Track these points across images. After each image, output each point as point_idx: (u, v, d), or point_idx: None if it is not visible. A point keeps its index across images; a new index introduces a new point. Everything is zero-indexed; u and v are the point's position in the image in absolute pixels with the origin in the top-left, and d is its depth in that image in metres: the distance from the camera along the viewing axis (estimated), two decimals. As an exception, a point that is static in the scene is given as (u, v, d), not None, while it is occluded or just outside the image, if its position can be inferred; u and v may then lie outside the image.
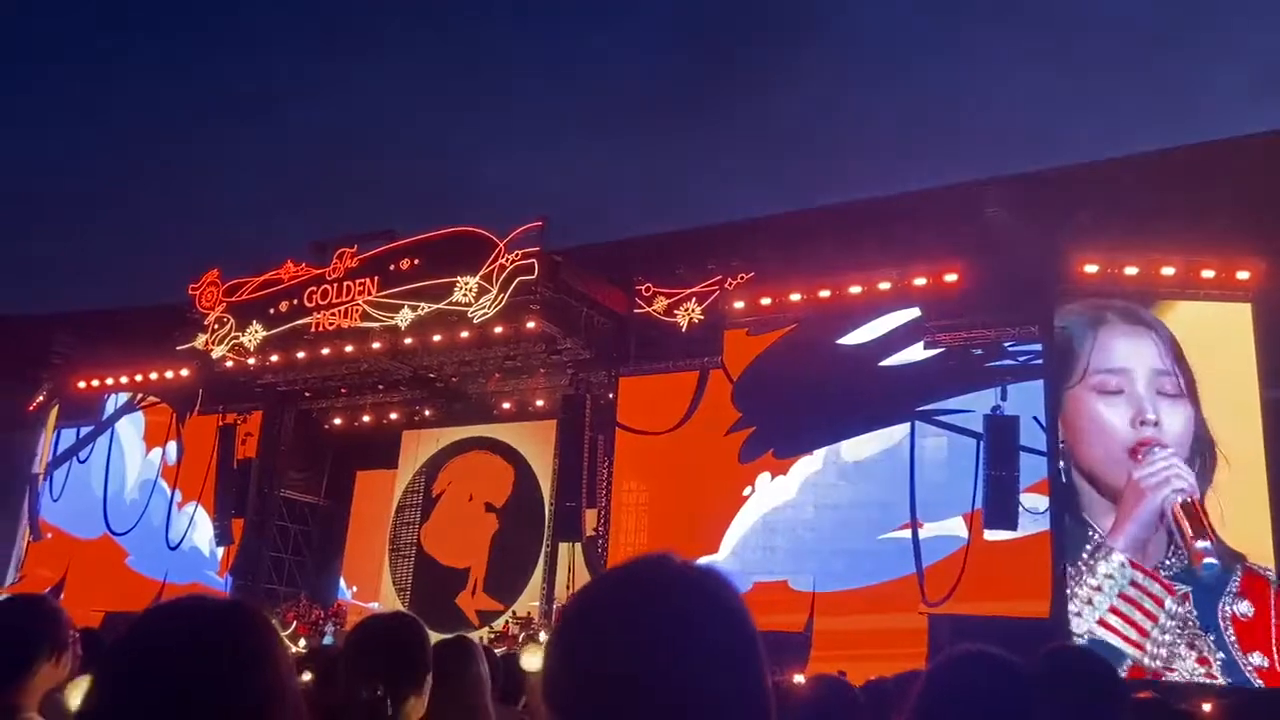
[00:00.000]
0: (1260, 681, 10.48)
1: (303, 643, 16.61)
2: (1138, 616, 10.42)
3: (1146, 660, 10.54)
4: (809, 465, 14.76)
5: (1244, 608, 10.69)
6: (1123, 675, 9.84)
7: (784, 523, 14.64)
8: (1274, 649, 10.60)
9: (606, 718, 1.02)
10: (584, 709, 1.04)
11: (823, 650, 13.30)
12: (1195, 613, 10.79)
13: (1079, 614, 10.74)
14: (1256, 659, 10.51)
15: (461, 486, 19.47)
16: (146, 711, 1.28)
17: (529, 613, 16.92)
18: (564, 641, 1.09)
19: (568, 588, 16.46)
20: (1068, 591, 11.76)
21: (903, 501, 13.97)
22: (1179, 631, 10.59)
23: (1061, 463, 11.86)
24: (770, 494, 14.88)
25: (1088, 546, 11.06)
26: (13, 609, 2.72)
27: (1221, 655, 10.67)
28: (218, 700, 1.29)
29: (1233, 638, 10.68)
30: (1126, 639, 10.51)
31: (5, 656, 2.48)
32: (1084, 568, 10.75)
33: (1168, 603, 10.59)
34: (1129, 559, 10.75)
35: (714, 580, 1.11)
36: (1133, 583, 10.47)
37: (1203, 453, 11.37)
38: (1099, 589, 10.46)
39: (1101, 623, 10.55)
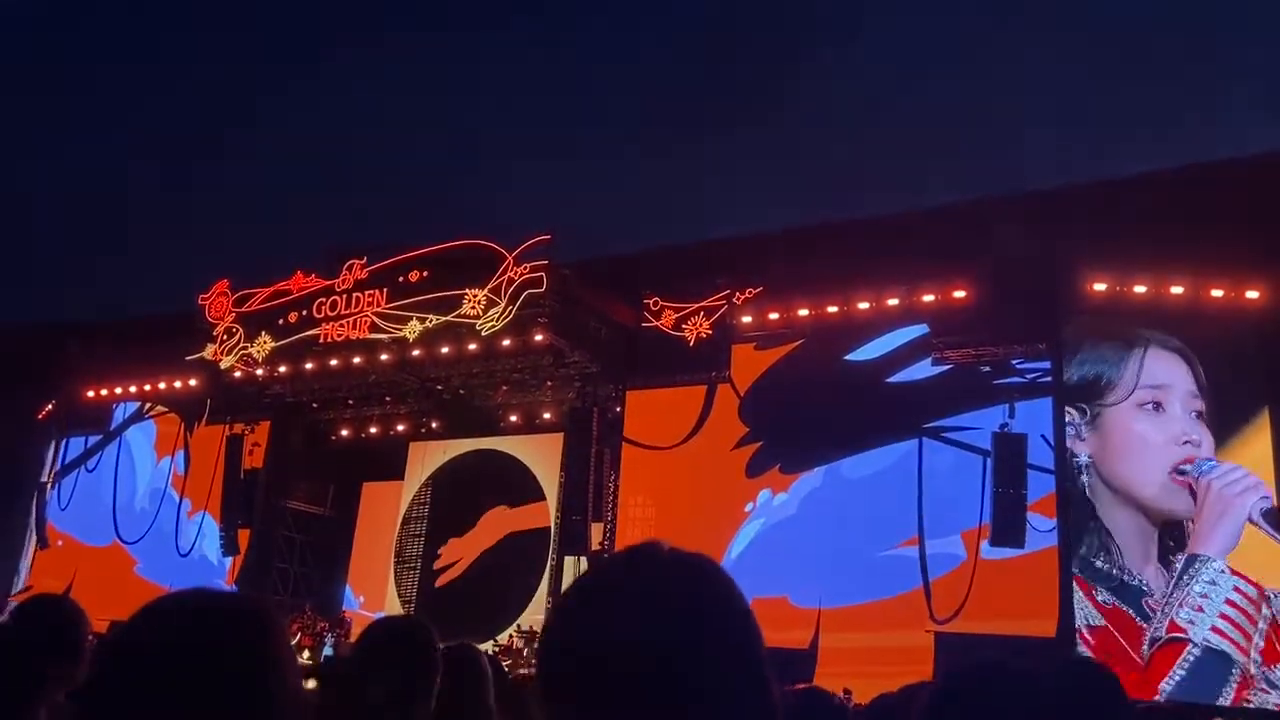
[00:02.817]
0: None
1: (306, 654, 16.61)
2: (1243, 621, 10.48)
3: (1251, 668, 10.56)
4: (810, 482, 14.75)
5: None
6: (1232, 686, 10.04)
7: (785, 539, 14.62)
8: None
9: (601, 699, 1.02)
10: (579, 693, 1.03)
11: (828, 667, 13.25)
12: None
13: (1191, 623, 10.74)
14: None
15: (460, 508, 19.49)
16: (143, 702, 1.28)
17: (532, 626, 16.89)
18: (558, 628, 1.10)
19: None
20: (1073, 606, 11.81)
21: (902, 518, 13.94)
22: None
23: (1085, 478, 11.90)
24: (771, 510, 14.88)
25: (1179, 554, 11.10)
26: (37, 609, 2.73)
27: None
28: (216, 691, 1.28)
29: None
30: (1237, 645, 10.56)
31: (24, 657, 2.48)
32: (1183, 579, 10.79)
33: (1264, 607, 10.68)
34: (1228, 565, 10.78)
35: (702, 562, 1.11)
36: (1236, 588, 10.56)
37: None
38: (1205, 596, 10.50)
39: (1215, 630, 10.59)
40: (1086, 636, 11.35)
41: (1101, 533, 11.62)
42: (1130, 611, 11.35)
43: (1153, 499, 11.54)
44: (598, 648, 1.04)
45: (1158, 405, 11.55)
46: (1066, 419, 11.96)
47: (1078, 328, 12.69)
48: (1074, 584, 11.55)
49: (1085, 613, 11.46)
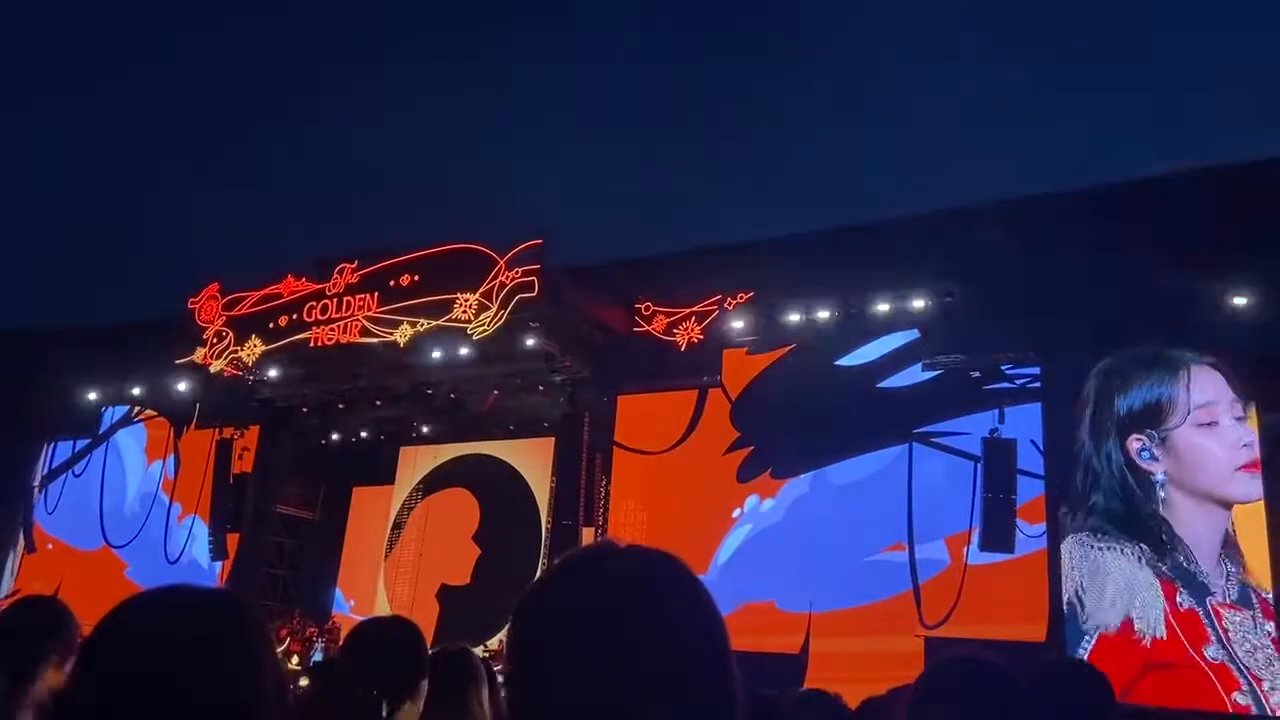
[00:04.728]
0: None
1: (295, 660, 16.55)
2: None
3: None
4: (797, 488, 14.78)
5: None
6: None
7: (772, 544, 14.64)
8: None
9: (567, 705, 1.02)
10: (546, 698, 1.03)
11: (819, 672, 13.26)
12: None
13: None
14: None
15: (449, 513, 19.45)
16: (124, 698, 1.27)
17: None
18: (520, 634, 1.09)
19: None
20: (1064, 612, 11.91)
21: (888, 523, 13.99)
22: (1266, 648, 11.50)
23: (1162, 493, 12.36)
24: (759, 516, 14.90)
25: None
26: (24, 610, 2.72)
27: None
28: (195, 687, 1.27)
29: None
30: None
31: (14, 657, 2.47)
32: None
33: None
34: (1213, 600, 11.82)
35: (662, 559, 1.11)
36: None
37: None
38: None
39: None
40: (1155, 640, 11.77)
41: (1174, 535, 12.19)
42: (1200, 613, 11.84)
43: (1230, 494, 12.18)
44: (556, 659, 1.04)
45: (1212, 422, 12.38)
46: (1139, 444, 12.59)
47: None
48: (1158, 585, 12.02)
49: (1155, 621, 11.95)
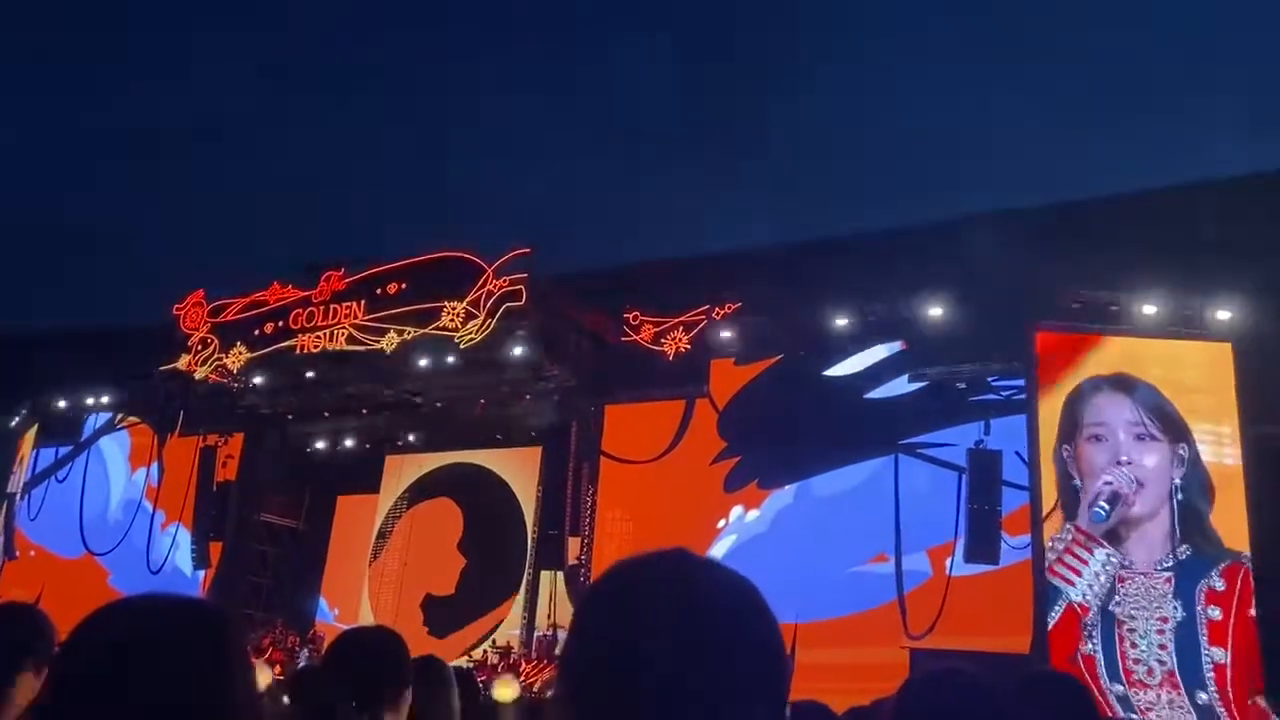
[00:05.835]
0: (1213, 675, 11.55)
1: (278, 669, 16.43)
2: (1073, 562, 12.41)
3: (1080, 597, 12.11)
4: (782, 499, 14.79)
5: (1214, 613, 11.89)
6: (1060, 612, 12.12)
7: (758, 555, 14.62)
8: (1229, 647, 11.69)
9: (619, 704, 1.02)
10: (600, 695, 1.04)
11: (804, 683, 13.23)
12: (1173, 601, 11.90)
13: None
14: (1218, 654, 11.64)
15: (433, 522, 19.38)
16: (97, 707, 1.26)
17: (509, 641, 16.80)
18: (585, 626, 1.10)
19: (549, 616, 16.38)
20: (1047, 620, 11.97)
21: (872, 535, 14.01)
22: (1147, 609, 12.07)
23: (1080, 499, 12.58)
24: (744, 527, 14.91)
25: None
26: (2, 619, 2.69)
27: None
28: (167, 697, 1.27)
29: (1205, 631, 11.83)
30: (1065, 580, 12.26)
31: None
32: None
33: (1096, 551, 12.24)
34: (1074, 525, 12.50)
35: (731, 573, 1.13)
36: (1073, 539, 12.47)
37: (1201, 483, 12.31)
38: (1051, 547, 12.61)
39: (1050, 570, 12.32)
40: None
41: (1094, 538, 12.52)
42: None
43: (1096, 507, 12.52)
44: (614, 656, 1.04)
45: (1099, 438, 12.77)
46: (1066, 452, 12.85)
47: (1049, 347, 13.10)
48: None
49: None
